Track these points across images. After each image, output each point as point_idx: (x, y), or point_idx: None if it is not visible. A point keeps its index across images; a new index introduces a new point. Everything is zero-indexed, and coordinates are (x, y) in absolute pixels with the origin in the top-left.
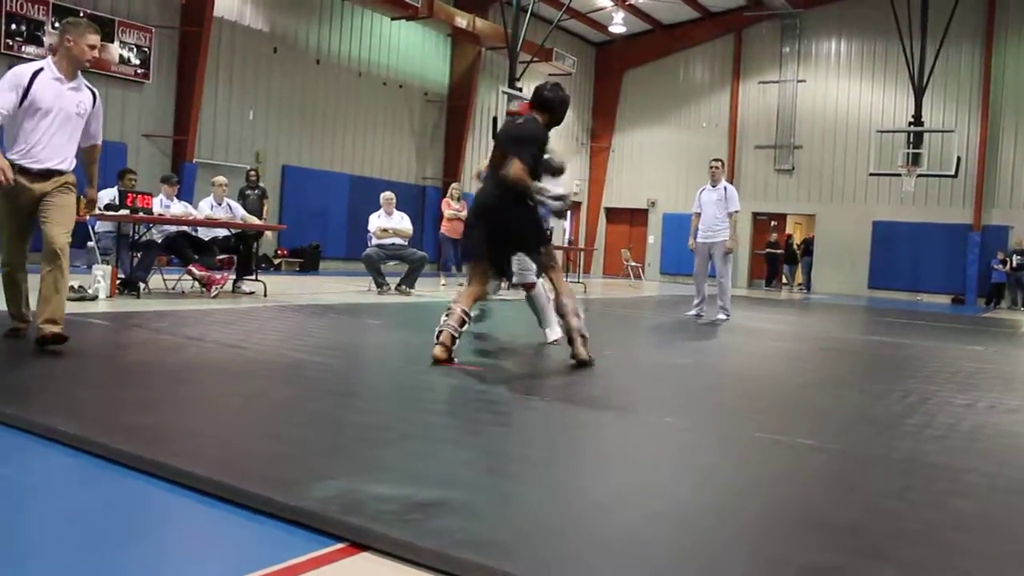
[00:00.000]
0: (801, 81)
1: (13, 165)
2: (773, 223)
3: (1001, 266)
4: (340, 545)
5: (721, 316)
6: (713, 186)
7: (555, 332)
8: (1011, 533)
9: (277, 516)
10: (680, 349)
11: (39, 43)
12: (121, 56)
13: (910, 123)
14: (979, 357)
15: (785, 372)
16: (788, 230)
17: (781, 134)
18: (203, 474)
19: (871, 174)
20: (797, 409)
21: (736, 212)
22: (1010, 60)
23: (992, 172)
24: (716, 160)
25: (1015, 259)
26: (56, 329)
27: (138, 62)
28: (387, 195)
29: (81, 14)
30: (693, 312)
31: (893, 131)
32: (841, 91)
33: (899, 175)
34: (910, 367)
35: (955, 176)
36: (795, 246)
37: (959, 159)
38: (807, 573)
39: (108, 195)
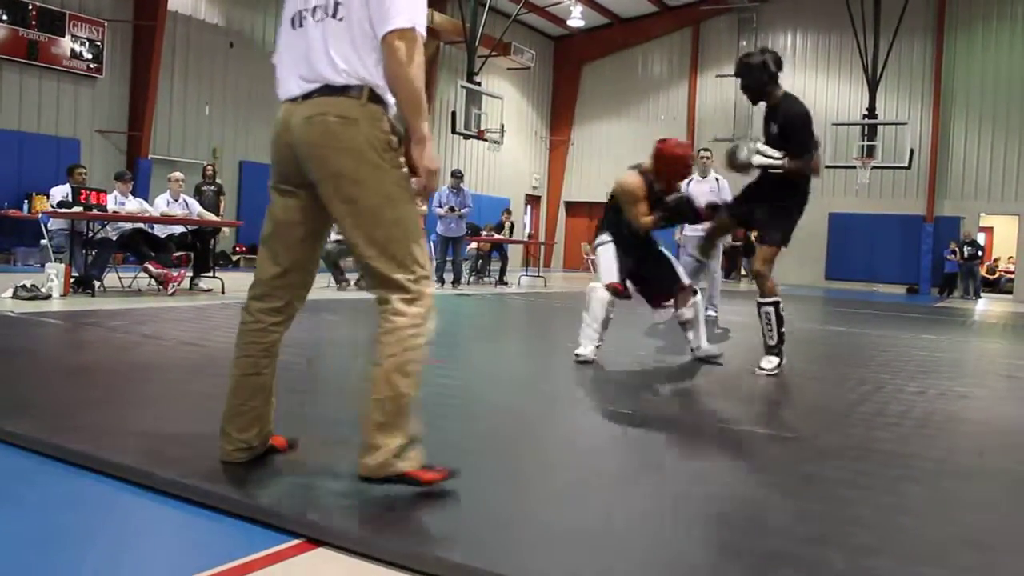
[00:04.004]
0: None
1: None
2: None
3: (953, 256)
4: (297, 541)
5: (711, 313)
6: (703, 177)
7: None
8: (956, 516)
9: (234, 513)
10: (640, 342)
11: None
12: (73, 50)
13: (864, 116)
14: (931, 346)
15: (743, 363)
16: None
17: (739, 127)
18: (158, 473)
19: (827, 167)
20: (754, 399)
21: None
22: (960, 54)
23: (944, 164)
24: (705, 150)
25: (966, 249)
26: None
27: (90, 56)
28: None
29: (31, 7)
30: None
31: (848, 124)
32: (797, 84)
33: (854, 167)
34: (865, 356)
35: (908, 168)
36: (753, 239)
37: (912, 151)
38: (760, 560)
39: (60, 192)
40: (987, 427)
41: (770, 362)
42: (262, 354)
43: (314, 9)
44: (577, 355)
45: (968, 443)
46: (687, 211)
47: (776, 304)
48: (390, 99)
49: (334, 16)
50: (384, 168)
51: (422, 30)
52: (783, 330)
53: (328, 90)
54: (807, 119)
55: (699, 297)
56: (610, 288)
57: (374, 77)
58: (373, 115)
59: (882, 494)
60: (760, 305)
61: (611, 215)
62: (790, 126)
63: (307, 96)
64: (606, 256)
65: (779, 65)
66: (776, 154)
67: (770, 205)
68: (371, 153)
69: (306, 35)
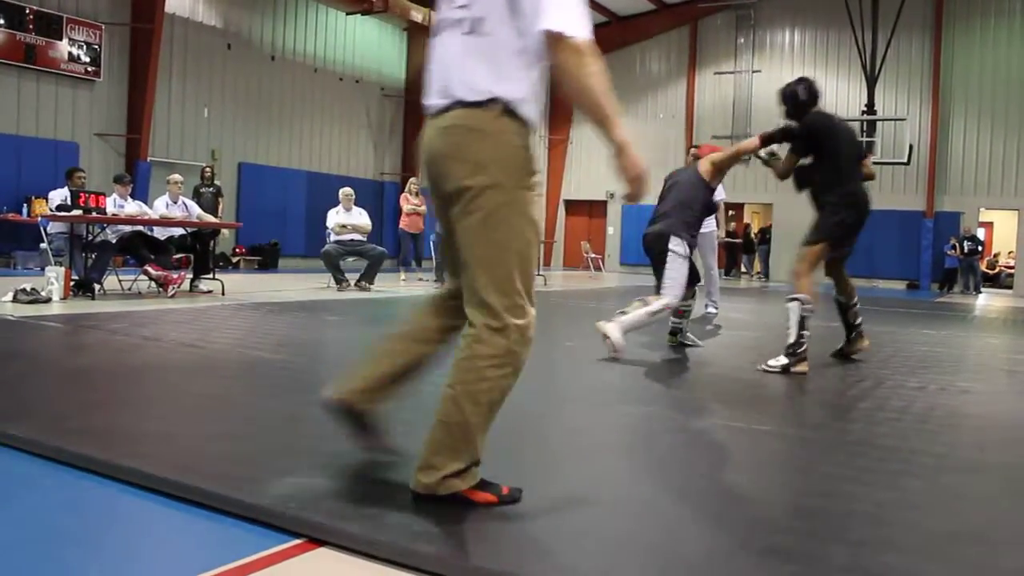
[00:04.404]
0: (756, 71)
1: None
2: (731, 212)
3: (953, 251)
4: (298, 541)
5: (711, 310)
6: None
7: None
8: (957, 511)
9: (235, 514)
10: (640, 340)
11: None
12: (70, 54)
13: (863, 112)
14: (931, 341)
15: (744, 360)
16: (746, 219)
17: (737, 124)
18: (159, 474)
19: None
20: (755, 396)
21: (723, 200)
22: (959, 49)
23: (943, 159)
24: (696, 147)
25: (966, 244)
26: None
27: (88, 60)
28: (346, 191)
29: (28, 11)
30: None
31: (847, 120)
32: None
33: None
34: (865, 352)
35: (908, 164)
36: (752, 235)
37: (911, 147)
38: (764, 556)
39: (59, 195)
40: (988, 422)
41: (777, 360)
42: (415, 335)
43: (455, 21)
44: (611, 337)
45: (969, 438)
46: (783, 137)
47: (799, 301)
48: (527, 112)
49: (475, 32)
50: (504, 186)
51: (587, 34)
52: (803, 333)
53: (462, 104)
54: (803, 124)
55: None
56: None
57: (512, 92)
58: (505, 129)
59: (883, 489)
60: (841, 304)
61: (691, 210)
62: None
63: (445, 110)
64: (683, 273)
65: (811, 94)
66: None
67: (815, 211)
68: (494, 168)
69: (444, 45)
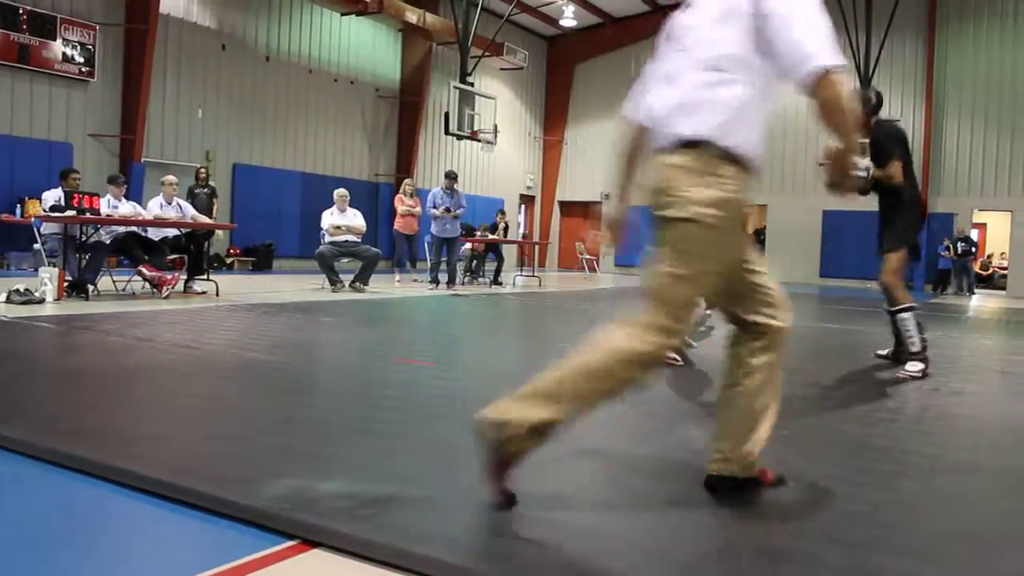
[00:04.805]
0: None
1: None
2: None
3: (947, 252)
4: (292, 542)
5: (707, 311)
6: None
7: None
8: (951, 511)
9: (228, 515)
10: None
11: None
12: (64, 54)
13: None
14: None
15: None
16: None
17: None
18: (153, 476)
19: (819, 164)
20: None
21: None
22: (952, 51)
23: (937, 160)
24: None
25: (959, 246)
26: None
27: (82, 60)
28: (341, 192)
29: (21, 11)
30: None
31: None
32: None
33: None
34: (858, 353)
35: None
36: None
37: None
38: (760, 557)
39: (53, 196)
40: (981, 422)
41: (915, 366)
42: (738, 368)
43: (690, 58)
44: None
45: (962, 439)
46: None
47: (912, 310)
48: (748, 153)
49: (714, 69)
50: (698, 223)
51: (842, 62)
52: (924, 336)
53: (682, 143)
54: (887, 136)
55: None
56: None
57: (735, 136)
58: (716, 171)
59: (878, 490)
60: (892, 314)
61: None
62: (874, 144)
63: (668, 146)
64: None
65: (880, 102)
66: (864, 163)
67: (882, 219)
68: (696, 206)
69: (671, 83)
